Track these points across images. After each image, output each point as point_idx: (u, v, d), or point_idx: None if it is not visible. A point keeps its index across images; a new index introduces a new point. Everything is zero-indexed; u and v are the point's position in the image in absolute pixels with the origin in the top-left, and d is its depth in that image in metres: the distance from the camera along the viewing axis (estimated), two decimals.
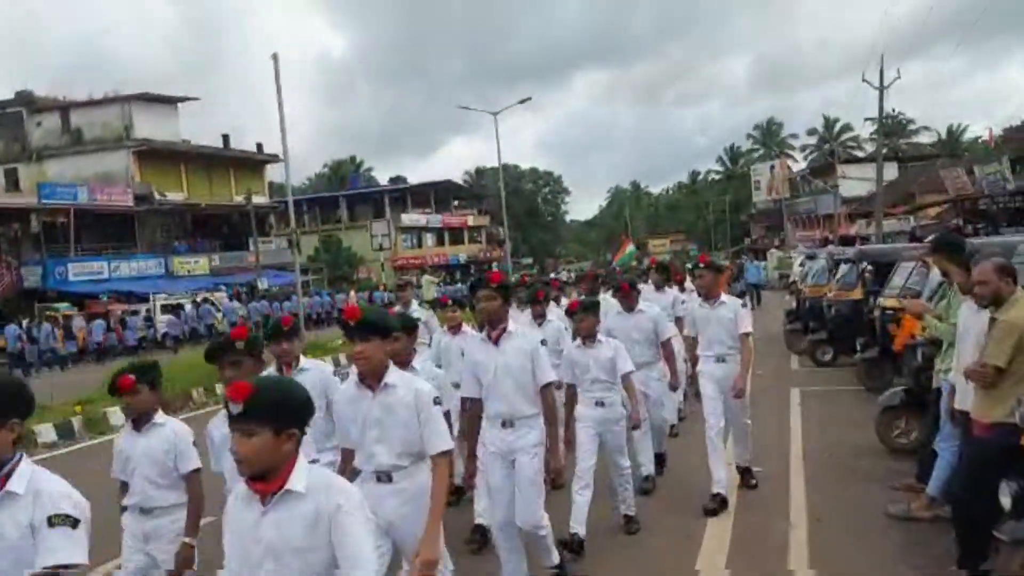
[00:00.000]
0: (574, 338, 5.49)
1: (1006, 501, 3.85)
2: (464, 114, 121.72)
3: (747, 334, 5.81)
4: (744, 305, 6.10)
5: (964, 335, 4.49)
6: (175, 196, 40.02)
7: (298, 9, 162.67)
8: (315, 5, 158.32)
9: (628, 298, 6.31)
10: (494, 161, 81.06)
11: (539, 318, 6.35)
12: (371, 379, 3.27)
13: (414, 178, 61.47)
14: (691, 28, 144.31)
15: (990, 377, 3.94)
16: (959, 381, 4.50)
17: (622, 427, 5.31)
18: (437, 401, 3.29)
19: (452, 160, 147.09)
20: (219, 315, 29.08)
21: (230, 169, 44.78)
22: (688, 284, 9.03)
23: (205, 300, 30.44)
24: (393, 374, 3.29)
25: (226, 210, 43.49)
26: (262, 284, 36.36)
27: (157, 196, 38.21)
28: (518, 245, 73.85)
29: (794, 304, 14.80)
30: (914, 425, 6.78)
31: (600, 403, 5.15)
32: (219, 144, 44.35)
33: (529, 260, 69.03)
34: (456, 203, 66.02)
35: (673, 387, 6.73)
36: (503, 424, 4.22)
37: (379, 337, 3.23)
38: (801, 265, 17.68)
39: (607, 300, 6.77)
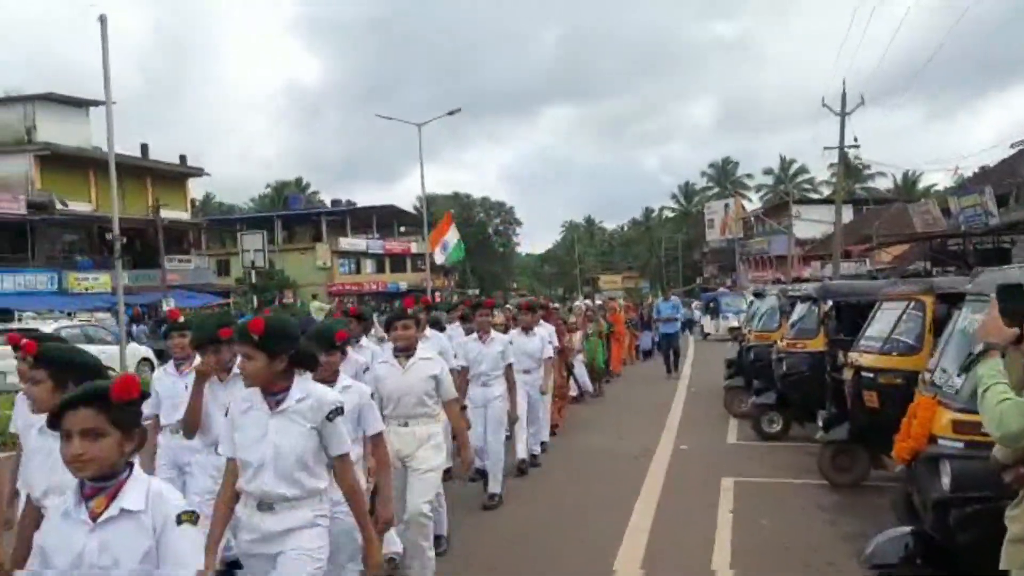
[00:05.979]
0: None
1: None
2: (429, 144, 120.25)
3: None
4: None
5: None
6: (80, 207, 36.54)
7: (273, 32, 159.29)
8: (292, 30, 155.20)
9: None
10: (448, 189, 78.72)
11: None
12: None
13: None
14: (659, 69, 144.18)
15: None
16: None
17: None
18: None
19: (413, 189, 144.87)
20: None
21: (147, 181, 41.24)
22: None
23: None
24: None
25: (140, 224, 39.91)
26: (167, 305, 33.05)
27: (59, 205, 34.60)
28: (466, 275, 71.31)
29: (735, 353, 11.83)
30: None
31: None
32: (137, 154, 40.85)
33: (476, 291, 66.33)
34: (403, 229, 63.23)
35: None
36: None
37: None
38: (749, 305, 14.48)
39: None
